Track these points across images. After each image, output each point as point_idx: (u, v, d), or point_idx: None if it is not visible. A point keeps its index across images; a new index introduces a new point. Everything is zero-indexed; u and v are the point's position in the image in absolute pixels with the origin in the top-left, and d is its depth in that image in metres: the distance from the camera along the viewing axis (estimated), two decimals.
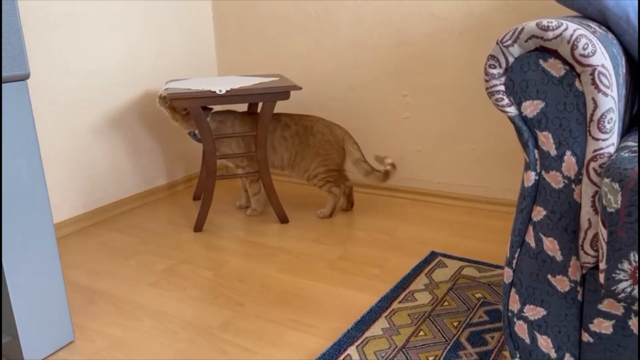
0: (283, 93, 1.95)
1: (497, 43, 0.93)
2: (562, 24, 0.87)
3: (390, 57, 2.22)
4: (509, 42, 0.91)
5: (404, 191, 2.34)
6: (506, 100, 0.94)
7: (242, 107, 2.46)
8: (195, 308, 1.51)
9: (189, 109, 1.90)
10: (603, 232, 0.84)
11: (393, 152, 2.33)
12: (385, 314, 1.40)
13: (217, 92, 1.87)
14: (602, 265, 0.85)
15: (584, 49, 0.85)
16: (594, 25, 1.00)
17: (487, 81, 0.95)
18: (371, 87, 2.30)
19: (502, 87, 0.94)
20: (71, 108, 2.05)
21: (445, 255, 1.73)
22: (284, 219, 2.09)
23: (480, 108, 2.11)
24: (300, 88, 1.97)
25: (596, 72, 0.86)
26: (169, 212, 2.27)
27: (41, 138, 1.95)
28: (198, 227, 2.04)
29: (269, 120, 1.98)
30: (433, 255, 1.73)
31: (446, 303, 1.45)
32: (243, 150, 2.09)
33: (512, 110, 0.95)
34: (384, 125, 2.33)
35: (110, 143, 2.22)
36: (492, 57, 0.94)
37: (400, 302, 1.46)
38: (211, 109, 2.05)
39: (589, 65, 0.86)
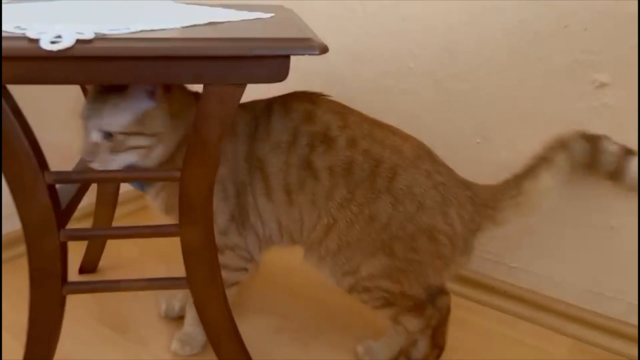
0: (260, 60, 0.68)
1: None
2: None
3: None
4: None
5: None
6: None
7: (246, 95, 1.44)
8: None
9: None
10: None
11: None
12: None
13: (42, 44, 0.62)
14: None
15: None
16: None
17: None
18: (429, 88, 1.24)
19: None
20: None
21: None
22: None
23: None
24: (323, 51, 0.69)
25: None
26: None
27: None
28: None
29: (214, 127, 0.73)
30: None
31: None
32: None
33: None
34: (446, 146, 1.46)
35: None
36: None
37: None
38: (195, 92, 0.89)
39: None
